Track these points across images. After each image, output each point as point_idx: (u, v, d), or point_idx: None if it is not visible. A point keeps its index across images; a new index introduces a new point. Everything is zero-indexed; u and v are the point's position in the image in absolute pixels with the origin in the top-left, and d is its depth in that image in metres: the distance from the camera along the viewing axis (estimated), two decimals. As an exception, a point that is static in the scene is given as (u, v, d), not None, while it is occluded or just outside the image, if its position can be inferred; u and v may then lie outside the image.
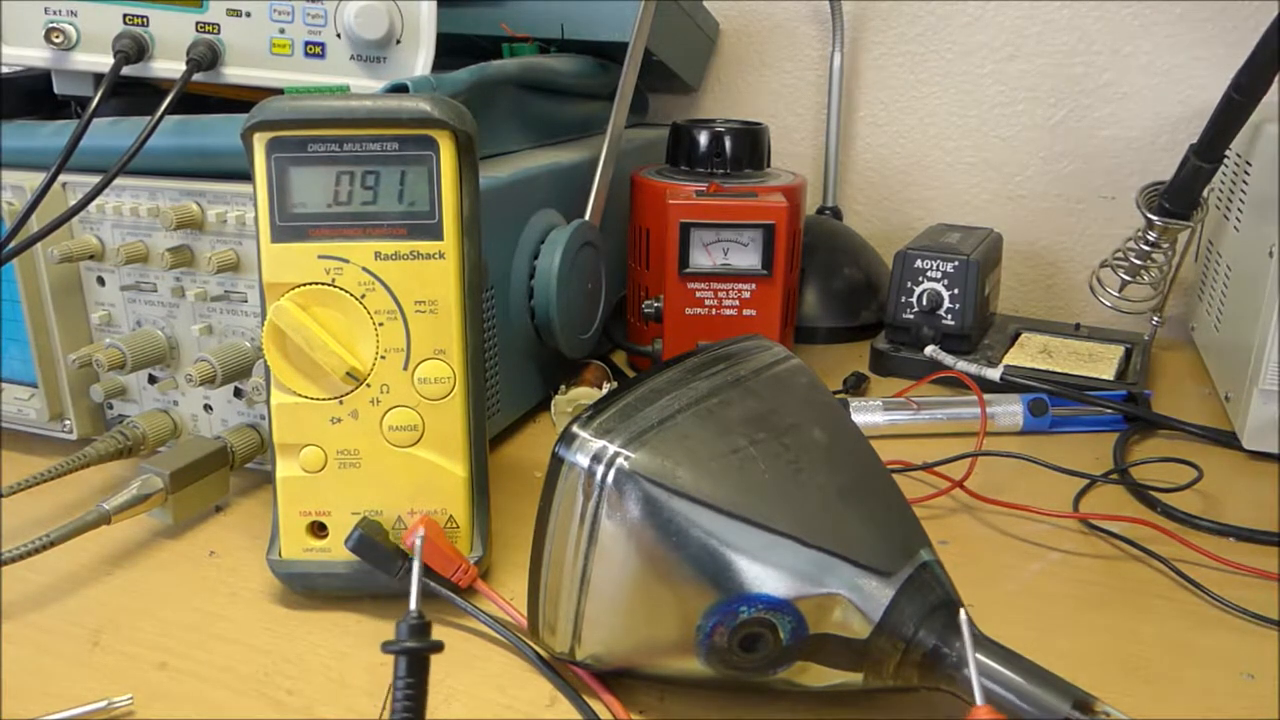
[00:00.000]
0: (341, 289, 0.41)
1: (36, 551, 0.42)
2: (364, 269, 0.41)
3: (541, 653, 0.38)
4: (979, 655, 0.32)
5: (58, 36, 0.53)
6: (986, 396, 0.60)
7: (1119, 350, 0.72)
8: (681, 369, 0.38)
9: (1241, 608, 0.43)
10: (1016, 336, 0.75)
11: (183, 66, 0.53)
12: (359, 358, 0.41)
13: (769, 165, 0.71)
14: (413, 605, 0.34)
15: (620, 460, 0.34)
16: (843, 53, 0.88)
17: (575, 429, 0.35)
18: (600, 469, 0.34)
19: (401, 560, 0.41)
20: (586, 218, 0.63)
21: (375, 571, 0.41)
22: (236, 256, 0.50)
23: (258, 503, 0.52)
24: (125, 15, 0.54)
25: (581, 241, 0.61)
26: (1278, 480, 0.56)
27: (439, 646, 0.33)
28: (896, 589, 0.33)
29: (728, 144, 0.67)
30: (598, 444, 0.34)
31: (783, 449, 0.35)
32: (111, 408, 0.57)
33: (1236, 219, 0.66)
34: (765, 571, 0.33)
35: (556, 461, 0.35)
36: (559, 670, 0.38)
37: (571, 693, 0.37)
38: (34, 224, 0.49)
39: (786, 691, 0.35)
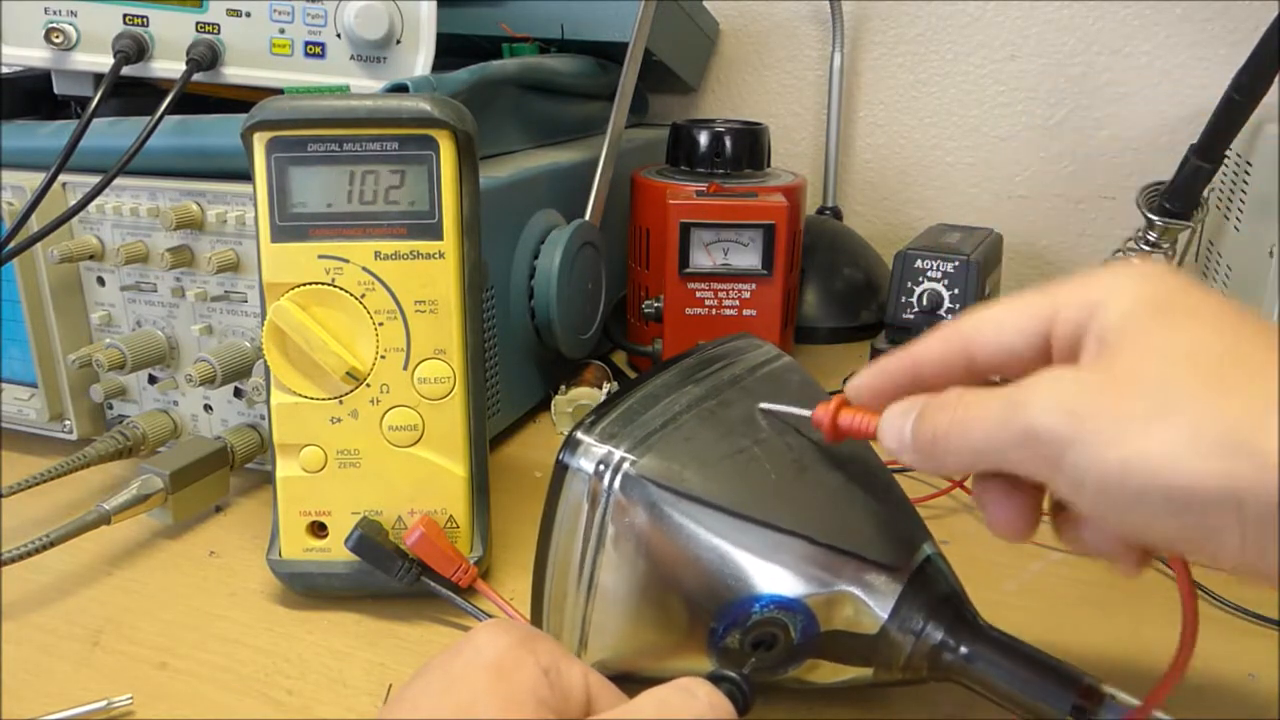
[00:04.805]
0: (341, 289, 0.41)
1: (36, 551, 0.42)
2: (364, 269, 0.41)
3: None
4: (980, 647, 0.32)
5: (58, 36, 0.53)
6: (987, 396, 0.60)
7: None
8: (678, 370, 0.38)
9: (1242, 608, 0.43)
10: (1017, 336, 0.75)
11: (183, 66, 0.53)
12: (359, 358, 0.41)
13: (769, 165, 0.71)
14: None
15: (627, 465, 0.33)
16: (843, 53, 0.87)
17: (579, 435, 0.34)
18: (607, 474, 0.33)
19: (401, 560, 0.41)
20: (586, 218, 0.63)
21: (375, 571, 0.41)
22: (236, 256, 0.50)
23: (258, 503, 0.52)
24: (125, 15, 0.54)
25: (581, 241, 0.61)
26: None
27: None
28: (904, 583, 0.33)
29: (728, 144, 0.67)
30: (603, 449, 0.34)
31: (786, 448, 0.35)
32: (111, 408, 0.57)
33: (1236, 219, 0.66)
34: (776, 571, 0.32)
35: (561, 468, 0.34)
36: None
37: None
38: (34, 224, 0.49)
39: (794, 689, 0.35)
